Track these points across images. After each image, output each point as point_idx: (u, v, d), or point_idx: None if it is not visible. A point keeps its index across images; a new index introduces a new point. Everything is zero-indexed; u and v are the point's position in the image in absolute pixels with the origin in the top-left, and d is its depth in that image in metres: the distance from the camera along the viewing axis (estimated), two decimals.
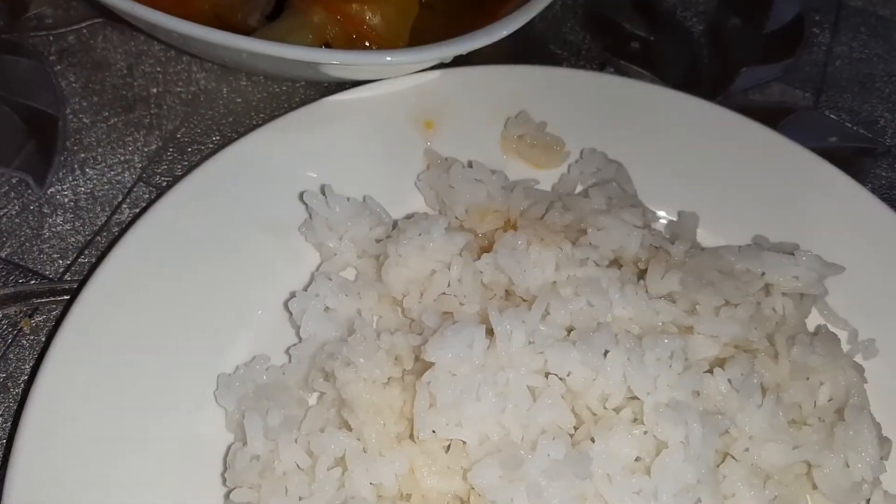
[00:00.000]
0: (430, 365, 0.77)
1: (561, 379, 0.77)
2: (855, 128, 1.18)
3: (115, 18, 1.10)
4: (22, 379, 0.89)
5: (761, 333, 0.84)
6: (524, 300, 0.85)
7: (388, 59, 0.93)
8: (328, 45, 0.97)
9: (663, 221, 0.98)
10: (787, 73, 1.22)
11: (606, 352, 0.77)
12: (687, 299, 0.85)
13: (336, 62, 0.94)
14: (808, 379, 0.83)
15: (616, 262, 0.88)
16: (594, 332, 0.78)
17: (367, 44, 0.97)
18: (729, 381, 0.78)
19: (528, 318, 0.79)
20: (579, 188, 0.99)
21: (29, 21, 1.13)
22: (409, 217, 0.91)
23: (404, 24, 0.99)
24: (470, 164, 0.96)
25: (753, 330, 0.83)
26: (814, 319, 0.92)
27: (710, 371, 0.80)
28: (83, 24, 1.13)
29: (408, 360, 0.81)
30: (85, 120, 1.06)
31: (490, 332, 0.79)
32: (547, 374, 0.77)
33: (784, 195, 1.01)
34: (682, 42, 1.24)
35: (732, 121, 1.05)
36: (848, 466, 0.78)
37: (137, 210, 1.00)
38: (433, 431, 0.74)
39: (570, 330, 0.81)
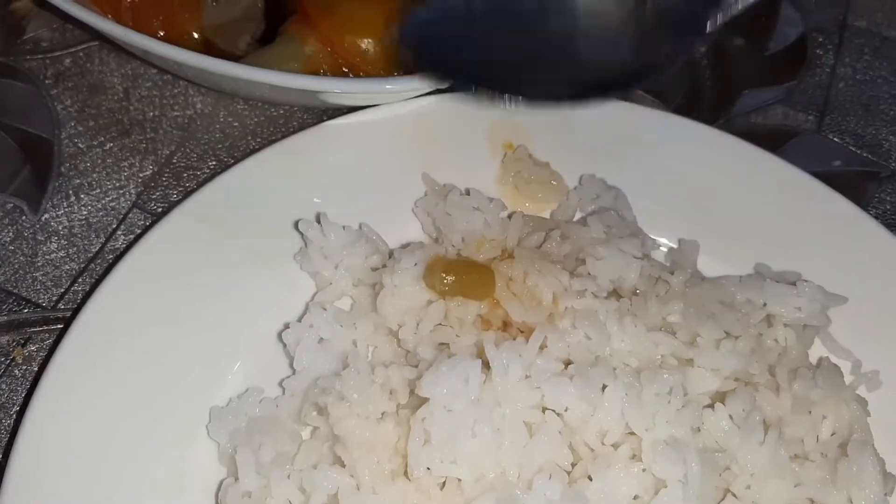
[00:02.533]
0: (425, 399, 0.75)
1: (558, 414, 0.76)
2: (859, 151, 1.16)
3: (111, 42, 1.09)
4: (14, 409, 0.88)
5: (763, 366, 0.82)
6: (521, 332, 0.84)
7: (388, 86, 0.93)
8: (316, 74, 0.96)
9: (663, 249, 0.97)
10: (789, 96, 1.21)
11: (604, 386, 0.76)
12: (687, 331, 0.84)
13: (334, 90, 0.94)
14: (810, 413, 0.81)
15: (615, 293, 0.87)
16: (592, 366, 0.77)
17: (355, 75, 0.97)
18: (730, 416, 0.77)
19: (524, 351, 0.77)
20: (578, 215, 0.97)
21: (25, 44, 1.13)
22: (405, 246, 0.90)
23: (397, 57, 0.98)
24: (467, 192, 0.95)
25: (755, 363, 0.81)
26: (816, 350, 0.91)
27: (711, 406, 0.78)
28: (79, 48, 1.13)
29: (402, 394, 0.79)
30: (80, 145, 1.06)
31: (486, 366, 0.78)
32: (544, 410, 0.76)
33: (786, 222, 0.99)
34: (683, 63, 1.23)
35: (734, 146, 1.03)
36: None
37: (132, 237, 1.00)
38: (428, 468, 0.73)
39: (567, 363, 0.80)
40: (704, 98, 1.20)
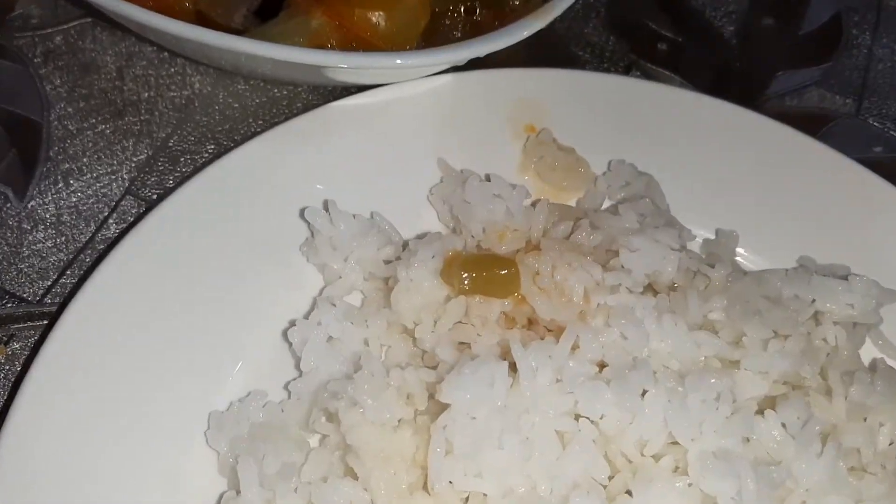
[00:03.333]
0: (445, 406, 0.68)
1: (593, 422, 0.69)
2: None
3: (105, 18, 1.02)
4: None
5: (814, 369, 0.75)
6: (549, 330, 0.77)
7: (398, 61, 0.85)
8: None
9: (698, 240, 0.90)
10: (825, 78, 1.14)
11: (644, 392, 0.69)
12: (731, 330, 0.77)
13: (341, 65, 0.86)
14: (865, 420, 0.74)
15: (650, 288, 0.80)
16: (630, 369, 0.70)
17: (366, 51, 0.89)
18: (783, 424, 0.70)
19: (555, 352, 0.71)
20: (607, 203, 0.90)
21: (13, 21, 1.06)
22: (420, 237, 0.83)
23: (412, 31, 0.90)
24: (487, 178, 0.88)
25: (806, 365, 0.74)
26: (867, 351, 0.84)
27: (760, 412, 0.71)
28: (71, 24, 1.05)
29: (420, 399, 0.72)
30: (70, 127, 0.98)
31: (513, 369, 0.71)
32: (577, 417, 0.69)
33: (829, 211, 0.92)
34: (711, 43, 1.15)
35: (771, 129, 0.97)
36: None
37: (125, 226, 0.93)
38: (450, 482, 0.66)
39: (601, 366, 0.73)
40: (735, 79, 1.13)
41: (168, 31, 0.83)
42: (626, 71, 1.10)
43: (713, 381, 0.69)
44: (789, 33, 1.18)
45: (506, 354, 0.76)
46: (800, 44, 1.17)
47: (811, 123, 1.07)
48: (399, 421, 0.71)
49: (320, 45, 0.88)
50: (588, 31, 1.13)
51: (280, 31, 0.88)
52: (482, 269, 0.75)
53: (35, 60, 1.02)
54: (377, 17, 0.90)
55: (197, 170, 0.95)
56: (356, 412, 0.70)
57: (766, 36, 1.17)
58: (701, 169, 0.94)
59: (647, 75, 1.10)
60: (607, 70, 1.10)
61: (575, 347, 0.72)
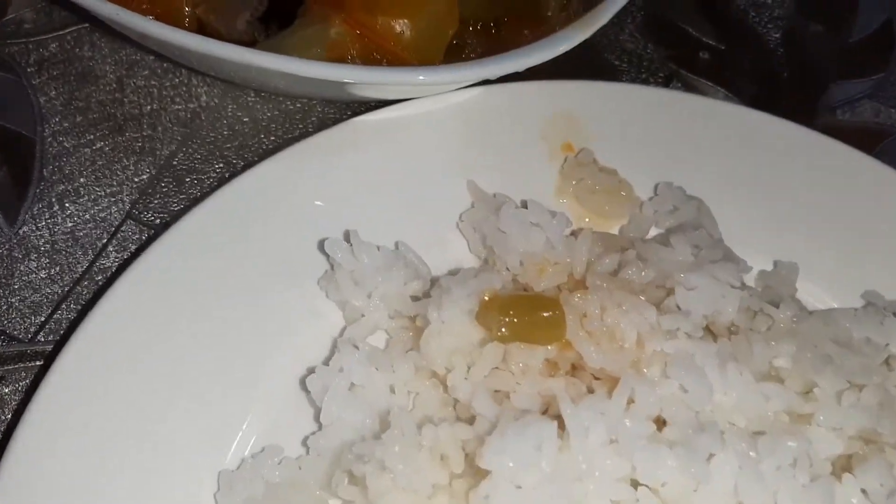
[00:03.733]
0: (485, 471, 0.61)
1: (653, 490, 0.61)
2: None
3: (104, 24, 0.94)
4: None
5: (893, 424, 0.67)
6: (596, 378, 0.69)
7: (421, 77, 0.78)
8: (342, 62, 0.80)
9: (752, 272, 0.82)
10: (878, 90, 1.06)
11: (711, 455, 0.61)
12: (800, 379, 0.69)
13: (358, 81, 0.78)
14: None
15: (708, 331, 0.72)
16: (694, 429, 0.62)
17: (389, 62, 0.81)
18: (863, 491, 0.62)
19: (608, 409, 0.63)
20: (654, 231, 0.82)
21: (5, 26, 0.98)
22: (453, 273, 0.75)
23: (439, 41, 0.83)
24: (524, 204, 0.80)
25: (884, 420, 0.67)
26: None
27: (836, 475, 0.63)
28: (67, 31, 0.97)
29: (457, 462, 0.65)
30: (66, 143, 0.90)
31: (560, 425, 0.63)
32: (635, 484, 0.61)
33: (894, 238, 0.84)
34: (756, 51, 1.07)
35: (825, 147, 0.89)
36: None
37: (126, 254, 0.85)
38: None
39: (659, 422, 0.65)
40: (782, 91, 1.05)
41: (172, 43, 0.75)
42: (667, 82, 1.02)
43: (790, 444, 0.61)
44: (839, 41, 1.10)
45: (548, 404, 0.68)
46: (850, 52, 1.09)
47: (867, 139, 1.00)
48: (433, 487, 0.63)
49: (340, 57, 0.81)
50: (624, 37, 1.05)
51: (296, 42, 0.80)
52: (524, 313, 0.67)
53: (28, 69, 0.95)
54: (401, 25, 0.82)
55: (205, 193, 0.88)
56: (385, 478, 0.62)
57: (814, 44, 1.09)
58: (751, 191, 0.87)
59: (689, 86, 1.02)
60: (646, 81, 1.02)
61: (629, 401, 0.64)
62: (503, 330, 0.67)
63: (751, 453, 0.61)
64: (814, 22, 1.11)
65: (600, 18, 0.79)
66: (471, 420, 0.68)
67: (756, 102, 1.04)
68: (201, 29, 0.83)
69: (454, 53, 0.85)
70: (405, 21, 0.81)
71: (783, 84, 1.06)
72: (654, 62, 1.04)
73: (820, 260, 0.83)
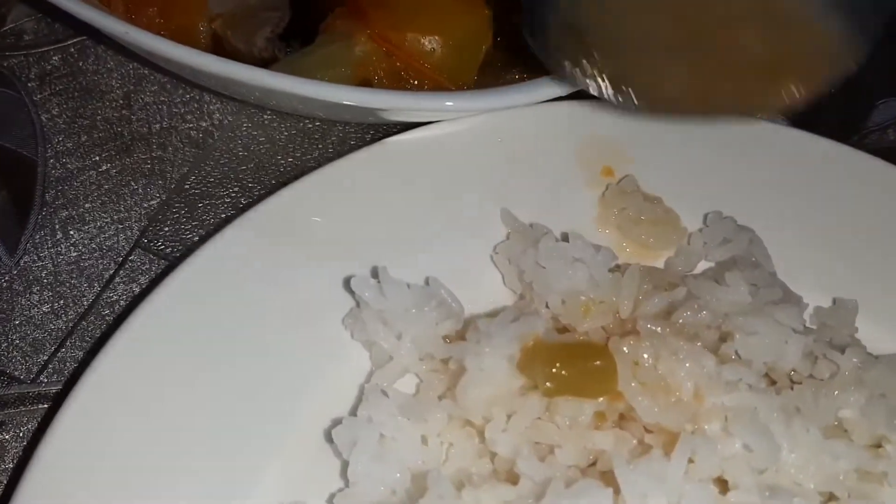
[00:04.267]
0: None
1: None
2: None
3: (110, 38, 0.88)
4: None
5: None
6: (648, 431, 0.64)
7: (448, 103, 0.73)
8: (368, 83, 0.75)
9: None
10: None
11: None
12: (867, 433, 0.64)
13: (379, 106, 0.73)
14: None
15: (767, 379, 0.66)
16: (762, 495, 0.56)
17: (419, 82, 0.76)
18: None
19: (667, 471, 0.57)
20: (703, 265, 0.76)
21: (4, 38, 0.92)
22: (491, 315, 0.69)
23: (472, 59, 0.77)
24: (564, 237, 0.74)
25: None
26: None
27: None
28: (70, 42, 0.92)
29: None
30: (70, 165, 0.85)
31: (610, 483, 0.57)
32: None
33: None
34: None
35: (884, 174, 0.83)
36: None
37: (134, 286, 0.79)
38: None
39: (720, 483, 0.59)
40: (829, 109, 0.98)
41: (185, 63, 0.70)
42: None
43: None
44: (888, 55, 1.04)
45: (595, 458, 0.63)
46: None
47: None
48: None
49: (365, 77, 0.75)
50: None
51: (318, 61, 0.75)
52: (571, 363, 0.61)
53: (28, 84, 0.89)
54: (432, 42, 0.76)
55: (220, 221, 0.82)
56: None
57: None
58: (804, 221, 0.81)
59: None
60: None
61: (690, 461, 0.58)
62: (551, 382, 0.61)
63: None
64: None
65: None
66: (512, 476, 0.63)
67: (800, 121, 0.98)
68: (217, 45, 0.77)
69: (488, 71, 0.79)
70: (435, 38, 0.76)
71: (830, 101, 0.99)
72: None
73: (880, 296, 0.77)
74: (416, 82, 0.77)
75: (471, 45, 0.78)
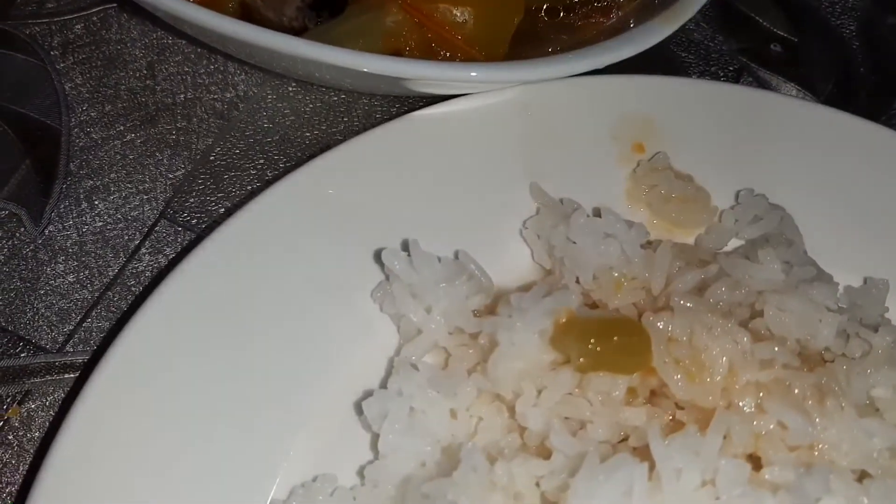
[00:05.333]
0: None
1: None
2: None
3: (132, 3, 0.87)
4: (8, 490, 0.68)
5: None
6: (679, 407, 0.63)
7: (473, 74, 0.72)
8: (398, 54, 0.74)
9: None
10: None
11: (817, 500, 0.55)
12: None
13: (407, 76, 0.71)
14: None
15: (801, 358, 0.66)
16: (797, 471, 0.56)
17: (451, 54, 0.75)
18: None
19: (702, 447, 0.57)
20: (734, 243, 0.76)
21: (26, 5, 0.91)
22: (523, 289, 0.69)
23: (504, 30, 0.76)
24: (596, 212, 0.73)
25: None
26: None
27: None
28: (93, 10, 0.91)
29: (531, 500, 0.59)
30: (94, 135, 0.84)
31: (646, 459, 0.57)
32: None
33: None
34: (830, 44, 1.00)
35: None
36: None
37: (160, 257, 0.79)
38: None
39: (754, 459, 0.59)
40: (860, 89, 0.98)
41: (211, 29, 0.69)
42: (737, 76, 0.95)
43: None
44: None
45: (627, 434, 0.63)
46: None
47: None
48: None
49: (396, 48, 0.74)
50: (691, 27, 0.98)
51: (349, 30, 0.73)
52: (605, 339, 0.61)
53: (52, 53, 0.88)
54: (463, 13, 0.75)
55: (246, 193, 0.82)
56: None
57: (892, 37, 1.02)
58: (835, 199, 0.80)
59: (760, 81, 0.95)
60: (715, 75, 0.95)
61: (726, 437, 0.58)
62: (585, 357, 0.61)
63: (861, 499, 0.55)
64: (892, 13, 1.04)
65: (686, 11, 0.72)
66: (542, 450, 0.62)
67: (830, 100, 0.97)
68: (247, 13, 0.76)
69: (520, 46, 0.78)
70: (467, 9, 0.75)
71: (861, 81, 0.98)
72: (724, 55, 0.96)
73: None
74: (447, 54, 0.75)
75: (502, 17, 0.76)
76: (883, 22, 1.03)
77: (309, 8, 0.80)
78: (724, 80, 0.94)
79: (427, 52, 0.75)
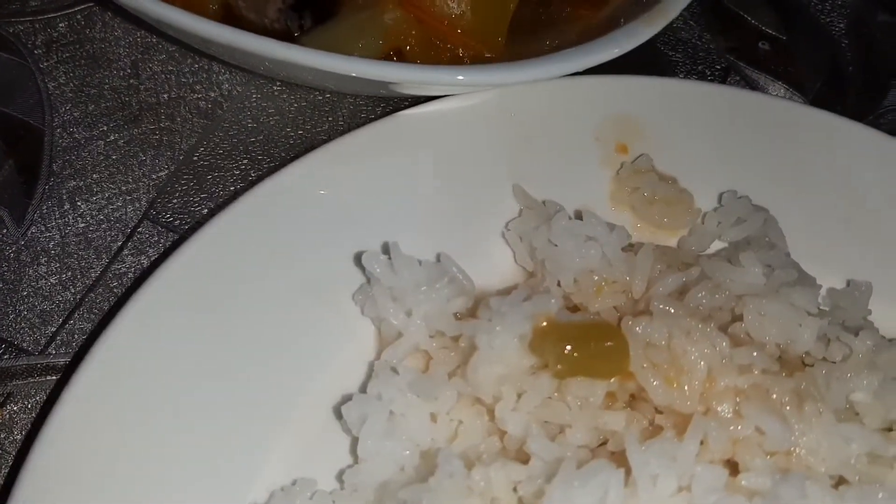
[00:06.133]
0: None
1: None
2: None
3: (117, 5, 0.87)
4: None
5: None
6: (659, 412, 0.63)
7: (460, 77, 0.71)
8: (399, 52, 0.73)
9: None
10: None
11: None
12: (879, 416, 0.63)
13: (391, 80, 0.71)
14: None
15: (780, 362, 0.66)
16: (774, 478, 0.56)
17: (452, 48, 0.74)
18: None
19: (678, 453, 0.57)
20: (717, 245, 0.76)
21: (9, 3, 0.90)
22: (502, 293, 0.69)
23: (500, 19, 0.75)
24: (578, 215, 0.73)
25: None
26: None
27: None
28: (77, 9, 0.90)
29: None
30: (77, 135, 0.84)
31: (622, 464, 0.57)
32: None
33: None
34: (819, 43, 1.00)
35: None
36: None
37: (143, 258, 0.79)
38: None
39: (731, 464, 0.59)
40: (848, 88, 0.97)
41: (193, 32, 0.68)
42: (724, 75, 0.95)
43: (880, 496, 0.55)
44: None
45: (606, 439, 0.63)
46: None
47: None
48: None
49: (397, 47, 0.74)
50: (678, 25, 0.97)
51: (348, 31, 0.73)
52: (583, 345, 0.61)
53: (35, 51, 0.88)
54: (459, 4, 0.74)
55: (229, 195, 0.82)
56: None
57: (881, 36, 1.01)
58: (819, 201, 0.80)
59: (748, 80, 0.95)
60: (702, 74, 0.95)
61: (702, 442, 0.58)
62: (560, 365, 0.61)
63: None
64: (882, 11, 1.04)
65: (669, 11, 0.72)
66: (521, 455, 0.62)
67: (819, 98, 0.97)
68: (228, 14, 0.76)
69: (519, 38, 0.77)
70: (463, 2, 0.74)
71: (849, 80, 0.98)
72: (712, 54, 0.96)
73: (895, 278, 0.77)
74: (448, 49, 0.75)
75: (497, 6, 0.75)
76: (873, 20, 1.02)
77: (291, 9, 0.80)
78: (711, 80, 0.94)
79: (428, 49, 0.75)
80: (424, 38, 0.73)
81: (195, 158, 0.84)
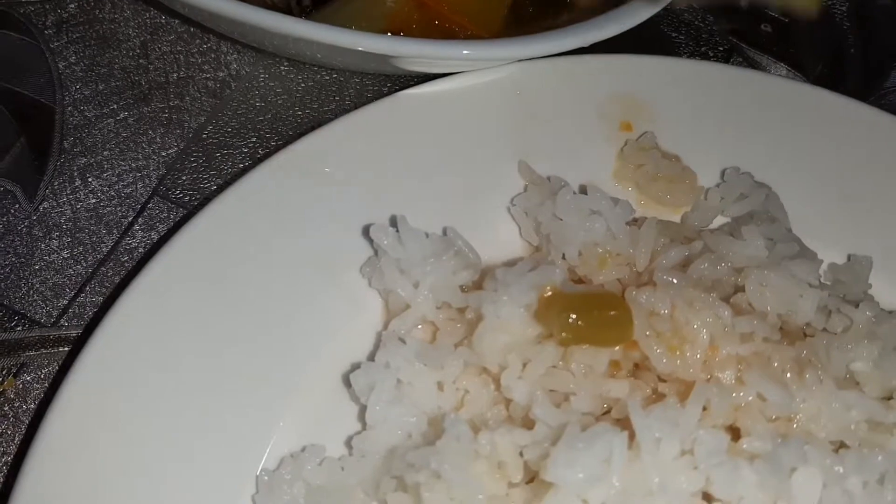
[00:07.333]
0: (545, 481, 0.56)
1: None
2: None
3: None
4: (4, 460, 0.69)
5: None
6: (662, 380, 0.64)
7: (465, 52, 0.72)
8: (401, 33, 0.74)
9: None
10: None
11: (793, 470, 0.56)
12: (879, 384, 0.64)
13: (395, 54, 0.72)
14: None
15: (782, 333, 0.67)
16: (775, 442, 0.57)
17: (453, 31, 0.75)
18: None
19: (681, 418, 0.58)
20: (719, 220, 0.77)
21: None
22: (509, 264, 0.70)
23: (500, 1, 0.76)
24: (582, 190, 0.74)
25: None
26: None
27: None
28: None
29: (515, 470, 0.60)
30: (88, 113, 0.85)
31: (626, 429, 0.58)
32: (710, 500, 0.57)
33: None
34: (822, 25, 1.00)
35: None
36: None
37: (153, 234, 0.80)
38: None
39: (733, 430, 0.60)
40: (850, 69, 0.98)
41: (202, 7, 0.69)
42: (727, 56, 0.96)
43: (880, 458, 0.56)
44: None
45: (610, 406, 0.64)
46: None
47: None
48: (490, 498, 0.59)
49: (400, 28, 0.75)
50: (682, 7, 0.98)
51: (352, 13, 0.74)
52: (588, 313, 0.62)
53: (45, 32, 0.89)
54: None
55: (238, 171, 0.83)
56: (441, 487, 0.57)
57: (883, 18, 1.02)
58: (821, 178, 0.81)
59: (750, 62, 0.96)
60: (705, 55, 0.96)
61: (705, 409, 0.59)
62: (568, 332, 0.62)
63: (837, 468, 0.57)
64: None
65: None
66: (526, 422, 0.63)
67: (820, 80, 0.97)
68: None
69: (518, 20, 0.78)
70: None
71: (851, 62, 0.99)
72: (714, 35, 0.97)
73: (895, 253, 0.78)
74: (450, 31, 0.76)
75: None
76: (874, 2, 1.03)
77: None
78: (713, 60, 0.95)
79: (429, 32, 0.76)
80: (426, 21, 0.74)
81: (204, 136, 0.85)
